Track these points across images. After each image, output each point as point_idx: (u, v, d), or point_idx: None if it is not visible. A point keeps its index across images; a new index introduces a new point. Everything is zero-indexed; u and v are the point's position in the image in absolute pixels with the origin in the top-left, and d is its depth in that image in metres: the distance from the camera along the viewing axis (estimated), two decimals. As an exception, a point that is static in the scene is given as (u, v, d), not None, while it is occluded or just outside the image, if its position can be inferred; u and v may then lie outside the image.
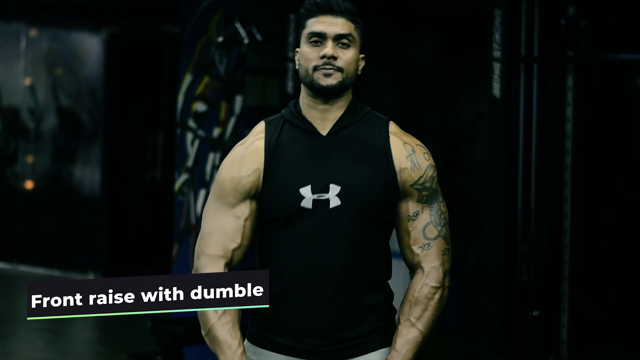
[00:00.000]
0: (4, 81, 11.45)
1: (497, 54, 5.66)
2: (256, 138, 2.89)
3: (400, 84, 9.15)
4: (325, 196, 2.82)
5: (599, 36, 6.58)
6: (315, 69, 2.83)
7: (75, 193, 10.87)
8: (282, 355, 2.87)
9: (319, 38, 2.84)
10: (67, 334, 8.44)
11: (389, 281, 2.94)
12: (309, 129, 2.87)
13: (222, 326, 2.80)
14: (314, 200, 2.81)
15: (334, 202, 2.81)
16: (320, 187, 2.82)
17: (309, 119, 2.88)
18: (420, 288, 2.86)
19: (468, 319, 8.12)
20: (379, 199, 2.84)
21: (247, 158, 2.87)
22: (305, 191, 2.82)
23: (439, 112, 8.96)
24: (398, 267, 3.00)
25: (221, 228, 2.85)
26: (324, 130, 2.87)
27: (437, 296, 2.86)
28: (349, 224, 2.82)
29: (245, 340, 2.93)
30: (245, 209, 2.86)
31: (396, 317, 2.93)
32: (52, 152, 11.09)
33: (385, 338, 2.88)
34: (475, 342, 6.82)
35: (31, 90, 11.20)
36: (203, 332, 2.84)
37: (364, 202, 2.82)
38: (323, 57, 2.82)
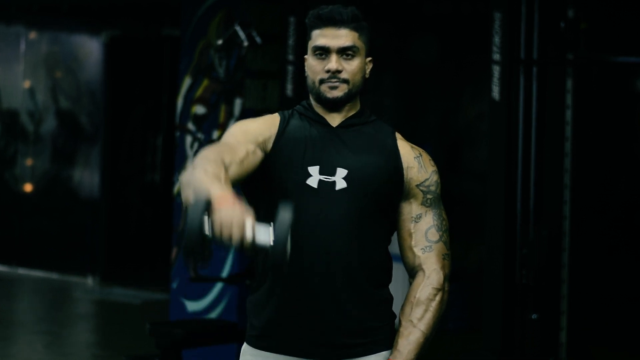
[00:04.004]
0: (3, 84, 11.44)
1: (496, 56, 5.66)
2: (271, 116, 2.93)
3: (401, 85, 9.15)
4: (332, 179, 2.82)
5: (599, 38, 6.58)
6: (322, 82, 2.88)
7: (75, 195, 10.87)
8: (282, 355, 2.87)
9: (323, 52, 2.87)
10: (67, 336, 8.44)
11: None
12: (321, 121, 2.91)
13: (208, 176, 2.55)
14: (320, 181, 2.81)
15: (340, 184, 2.82)
16: (327, 170, 2.83)
17: (320, 114, 2.92)
18: (422, 289, 2.86)
19: (468, 320, 8.12)
20: (385, 186, 2.85)
21: (261, 120, 2.89)
22: (313, 170, 2.82)
23: (439, 113, 8.96)
24: (397, 272, 2.99)
25: (222, 144, 2.76)
26: (334, 123, 2.91)
27: (437, 298, 2.86)
28: (354, 205, 2.81)
29: (245, 344, 2.93)
30: (250, 146, 2.78)
31: (396, 321, 2.92)
32: (52, 155, 11.08)
33: (386, 340, 2.88)
34: (475, 344, 6.82)
35: (30, 93, 11.19)
36: (186, 191, 2.56)
37: (370, 187, 2.83)
38: (328, 71, 2.85)
